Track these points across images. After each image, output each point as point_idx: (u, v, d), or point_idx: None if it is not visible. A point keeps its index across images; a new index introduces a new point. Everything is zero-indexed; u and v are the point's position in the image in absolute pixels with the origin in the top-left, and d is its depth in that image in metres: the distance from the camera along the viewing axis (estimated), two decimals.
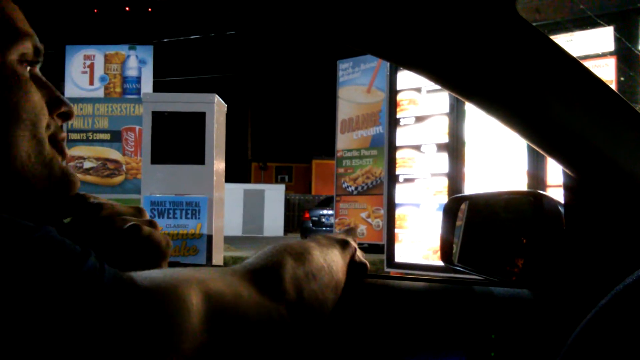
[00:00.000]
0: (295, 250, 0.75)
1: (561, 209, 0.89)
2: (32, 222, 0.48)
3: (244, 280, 0.65)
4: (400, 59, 0.77)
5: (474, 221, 1.04)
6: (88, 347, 0.45)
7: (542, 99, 0.73)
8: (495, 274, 0.96)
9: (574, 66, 0.70)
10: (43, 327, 0.44)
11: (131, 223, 0.70)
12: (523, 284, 0.90)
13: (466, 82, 0.75)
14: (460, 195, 1.12)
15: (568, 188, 0.86)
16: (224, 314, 0.59)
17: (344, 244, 0.88)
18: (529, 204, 0.94)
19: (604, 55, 3.89)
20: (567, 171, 0.85)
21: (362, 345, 0.89)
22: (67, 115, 0.74)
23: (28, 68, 0.68)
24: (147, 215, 0.76)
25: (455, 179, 4.78)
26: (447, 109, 4.91)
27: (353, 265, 0.89)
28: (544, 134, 0.78)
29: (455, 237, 1.05)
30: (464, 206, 1.05)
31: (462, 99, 0.80)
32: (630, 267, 0.63)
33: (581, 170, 0.82)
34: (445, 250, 1.05)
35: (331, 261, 0.80)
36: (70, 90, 8.07)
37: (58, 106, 0.72)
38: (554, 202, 0.90)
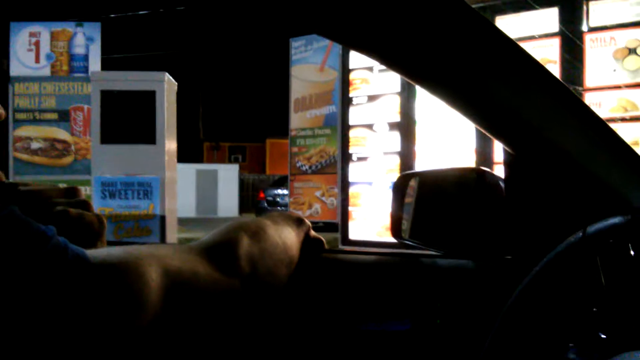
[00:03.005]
0: (250, 228, 0.77)
1: (502, 184, 0.93)
2: None
3: (200, 257, 0.67)
4: (347, 41, 0.79)
5: (422, 197, 1.06)
6: (52, 319, 0.48)
7: (481, 80, 0.76)
8: (442, 247, 1.00)
9: (511, 48, 0.73)
10: (9, 301, 0.45)
11: (59, 208, 0.68)
12: (466, 255, 0.95)
13: (410, 64, 0.78)
14: (409, 172, 1.16)
15: (507, 164, 0.91)
16: (181, 289, 0.61)
17: (299, 222, 0.90)
18: (472, 179, 0.98)
19: (548, 35, 4.00)
20: (506, 148, 0.89)
21: (319, 315, 0.92)
22: None
23: None
24: (82, 195, 0.75)
25: (406, 157, 4.85)
26: (398, 89, 4.96)
27: (309, 242, 0.91)
28: (484, 114, 0.82)
29: (405, 213, 1.09)
30: (413, 182, 1.08)
31: (408, 80, 0.84)
32: (563, 235, 0.67)
33: (518, 147, 0.87)
34: (395, 226, 1.07)
35: (285, 238, 0.82)
36: (16, 69, 7.80)
37: None
38: (495, 177, 0.95)
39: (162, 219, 5.64)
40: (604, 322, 0.64)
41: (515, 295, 0.66)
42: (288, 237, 0.83)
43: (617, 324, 0.63)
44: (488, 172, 0.96)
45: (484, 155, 4.07)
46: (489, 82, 0.76)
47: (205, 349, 0.81)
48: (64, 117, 7.73)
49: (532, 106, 0.78)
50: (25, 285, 0.47)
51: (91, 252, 0.54)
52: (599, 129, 0.77)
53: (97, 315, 0.51)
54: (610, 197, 0.79)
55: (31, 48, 7.85)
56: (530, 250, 0.86)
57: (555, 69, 3.94)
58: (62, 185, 0.76)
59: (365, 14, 0.70)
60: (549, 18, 4.00)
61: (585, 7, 3.88)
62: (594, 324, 0.64)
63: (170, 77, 6.15)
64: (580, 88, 3.81)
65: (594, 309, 0.64)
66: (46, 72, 7.85)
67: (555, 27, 3.97)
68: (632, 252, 0.63)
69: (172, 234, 6.02)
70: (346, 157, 5.32)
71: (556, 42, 3.97)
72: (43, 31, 7.90)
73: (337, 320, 0.92)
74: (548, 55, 3.97)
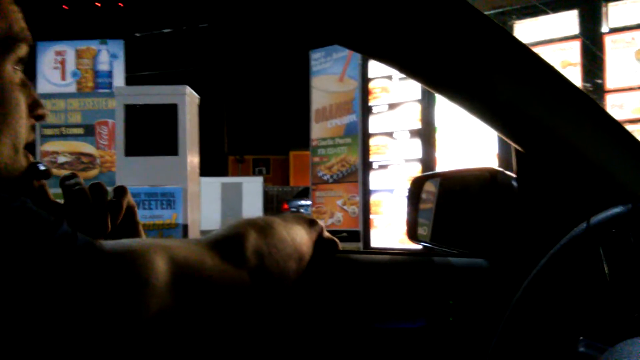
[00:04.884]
0: (258, 223, 0.78)
1: (514, 183, 0.93)
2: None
3: (207, 249, 0.68)
4: (367, 50, 0.82)
5: (437, 199, 1.08)
6: (60, 305, 0.49)
7: (491, 84, 0.78)
8: (457, 247, 1.01)
9: (520, 51, 0.74)
10: (20, 288, 0.47)
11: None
12: (479, 254, 0.95)
13: (427, 72, 0.80)
14: (422, 174, 1.17)
15: (519, 163, 0.92)
16: (189, 278, 0.62)
17: (310, 222, 0.90)
18: (485, 179, 0.98)
19: (567, 38, 3.97)
20: (517, 147, 0.90)
21: (334, 313, 0.93)
22: (42, 117, 0.74)
23: (18, 73, 0.67)
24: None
25: (428, 164, 4.84)
26: (418, 96, 4.96)
27: (323, 243, 0.91)
28: (495, 116, 0.83)
29: (420, 217, 1.09)
30: (428, 186, 1.09)
31: (427, 87, 0.85)
32: (570, 228, 0.67)
33: (526, 145, 0.88)
34: (411, 228, 1.08)
35: (295, 234, 0.83)
36: (42, 86, 7.99)
37: (36, 109, 0.71)
38: (507, 177, 0.95)
39: (185, 228, 5.70)
40: (609, 312, 0.63)
41: (522, 289, 0.66)
42: (297, 234, 0.84)
43: (620, 313, 0.63)
44: (500, 171, 0.97)
45: (506, 160, 4.03)
46: (500, 85, 0.78)
47: (214, 341, 0.82)
48: (89, 132, 7.90)
49: (538, 105, 0.79)
50: (34, 272, 0.48)
51: (101, 242, 0.55)
52: (602, 120, 0.77)
53: (105, 301, 0.52)
54: (613, 187, 0.79)
55: (57, 66, 8.05)
56: (541, 246, 0.86)
57: (576, 72, 3.90)
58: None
59: (385, 25, 0.72)
60: (568, 21, 3.97)
61: (604, 9, 3.84)
62: (601, 314, 0.64)
63: (192, 91, 6.24)
64: (600, 89, 3.77)
65: (601, 301, 0.64)
66: (72, 88, 8.03)
67: (575, 29, 3.94)
68: (632, 240, 0.62)
69: None
70: (367, 166, 5.33)
71: (576, 44, 3.93)
72: (68, 49, 8.11)
73: (352, 318, 0.93)
74: (568, 58, 3.94)
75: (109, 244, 0.56)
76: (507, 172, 0.97)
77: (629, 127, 0.80)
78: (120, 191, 0.79)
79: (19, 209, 0.51)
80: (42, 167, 0.71)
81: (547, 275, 0.65)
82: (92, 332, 0.52)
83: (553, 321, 0.66)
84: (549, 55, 3.90)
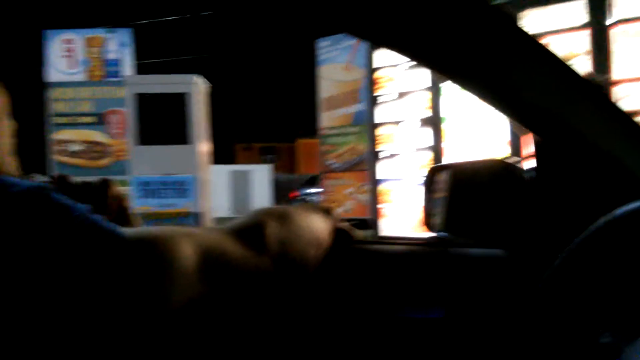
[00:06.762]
0: (277, 212, 0.81)
1: (525, 174, 0.95)
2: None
3: (230, 236, 0.70)
4: (376, 39, 0.82)
5: (452, 189, 1.08)
6: (86, 290, 0.52)
7: (507, 72, 0.79)
8: (473, 237, 1.02)
9: (531, 43, 0.75)
10: (41, 272, 0.50)
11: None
12: (496, 244, 0.96)
13: (438, 59, 0.80)
14: (438, 165, 1.18)
15: (537, 152, 0.93)
16: (214, 263, 0.64)
17: (325, 210, 0.93)
18: (501, 169, 1.00)
19: (576, 28, 3.92)
20: (535, 137, 0.91)
21: (356, 304, 0.95)
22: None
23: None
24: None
25: (439, 152, 4.84)
26: (427, 85, 4.94)
27: (339, 231, 0.94)
28: (512, 105, 0.84)
29: (435, 206, 1.10)
30: (443, 175, 1.10)
31: (438, 74, 0.86)
32: (591, 220, 0.67)
33: (545, 135, 0.88)
34: (428, 218, 1.10)
35: (312, 222, 0.85)
36: (52, 75, 8.00)
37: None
38: (517, 168, 0.97)
39: (198, 216, 5.75)
40: (633, 305, 0.63)
41: (543, 279, 0.67)
42: (315, 222, 0.86)
43: None
44: (511, 163, 0.99)
45: (518, 147, 4.02)
46: (515, 74, 0.79)
47: (238, 327, 0.84)
48: (100, 120, 7.91)
49: (555, 94, 0.80)
50: (57, 257, 0.50)
51: (125, 229, 0.58)
52: (621, 116, 0.78)
53: (131, 287, 0.54)
54: (636, 181, 0.79)
55: (65, 54, 8.04)
56: (559, 237, 0.84)
57: (584, 62, 3.88)
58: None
59: (395, 13, 0.73)
60: (576, 10, 3.95)
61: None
62: (625, 307, 0.64)
63: (201, 79, 6.25)
64: (608, 79, 3.75)
65: (625, 293, 0.64)
66: (81, 77, 8.03)
67: (583, 19, 3.91)
68: None
69: None
70: (376, 154, 5.33)
71: (584, 34, 3.90)
72: (76, 38, 8.09)
73: (369, 307, 0.94)
74: (576, 48, 3.91)
75: (134, 231, 0.59)
76: (517, 164, 0.99)
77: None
78: (104, 184, 0.84)
79: (42, 197, 0.53)
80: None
81: (570, 266, 0.65)
82: (116, 320, 0.53)
83: (574, 313, 0.66)
84: (557, 44, 3.90)
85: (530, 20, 4.01)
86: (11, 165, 0.74)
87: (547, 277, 0.67)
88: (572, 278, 0.66)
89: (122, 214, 0.88)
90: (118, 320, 0.53)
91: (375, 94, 5.37)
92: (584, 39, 3.90)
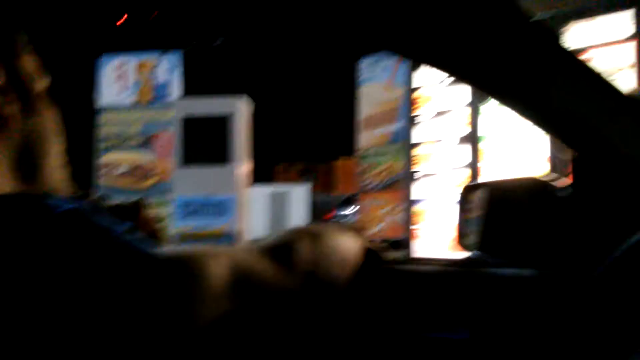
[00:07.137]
0: (308, 231, 0.81)
1: (565, 191, 0.95)
2: None
3: (260, 255, 0.71)
4: (418, 56, 0.86)
5: (489, 207, 1.07)
6: (116, 308, 0.53)
7: (544, 87, 0.78)
8: (506, 256, 1.02)
9: (571, 59, 0.78)
10: (72, 289, 0.51)
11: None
12: (531, 265, 0.94)
13: (479, 76, 0.82)
14: (473, 183, 1.23)
15: (575, 168, 0.93)
16: (243, 282, 0.65)
17: (356, 230, 0.93)
18: (537, 187, 1.00)
19: (622, 40, 3.79)
20: (573, 153, 0.92)
21: (383, 323, 0.95)
22: None
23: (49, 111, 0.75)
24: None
25: (475, 171, 4.80)
26: (466, 103, 4.93)
27: (369, 252, 0.93)
28: (549, 120, 0.86)
29: (470, 225, 1.09)
30: (477, 194, 1.10)
31: (479, 91, 0.91)
32: (625, 238, 0.69)
33: (582, 150, 0.89)
34: (461, 238, 1.10)
35: (343, 242, 0.85)
36: (103, 99, 8.08)
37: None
38: (552, 187, 0.96)
39: (236, 236, 5.82)
40: None
41: (577, 296, 0.68)
42: (345, 242, 0.86)
43: None
44: (546, 181, 0.99)
45: (557, 164, 3.97)
46: (554, 90, 0.80)
47: (267, 346, 0.83)
48: (147, 142, 7.94)
49: (594, 110, 0.80)
50: (87, 274, 0.52)
51: (158, 249, 0.59)
52: None
53: (161, 304, 0.55)
54: None
55: (118, 78, 8.11)
56: (593, 256, 0.82)
57: (629, 75, 3.74)
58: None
59: (438, 30, 0.75)
60: (622, 22, 3.81)
61: None
62: None
63: (245, 101, 6.37)
64: None
65: None
66: (131, 100, 8.09)
67: (629, 31, 3.78)
68: None
69: None
70: (412, 174, 5.33)
71: (630, 46, 3.77)
72: (129, 61, 8.17)
73: (396, 326, 0.95)
74: (621, 61, 3.78)
75: (166, 250, 0.61)
76: (553, 183, 0.98)
77: None
78: (135, 206, 0.87)
79: (72, 213, 0.55)
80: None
81: (604, 283, 0.67)
82: (143, 337, 0.54)
83: (609, 330, 0.67)
84: (602, 58, 3.78)
85: (574, 34, 3.92)
86: (62, 182, 0.74)
87: (582, 294, 0.68)
88: (606, 295, 0.67)
89: (152, 235, 0.90)
90: (146, 337, 0.55)
91: (415, 113, 5.37)
92: (630, 51, 3.78)
